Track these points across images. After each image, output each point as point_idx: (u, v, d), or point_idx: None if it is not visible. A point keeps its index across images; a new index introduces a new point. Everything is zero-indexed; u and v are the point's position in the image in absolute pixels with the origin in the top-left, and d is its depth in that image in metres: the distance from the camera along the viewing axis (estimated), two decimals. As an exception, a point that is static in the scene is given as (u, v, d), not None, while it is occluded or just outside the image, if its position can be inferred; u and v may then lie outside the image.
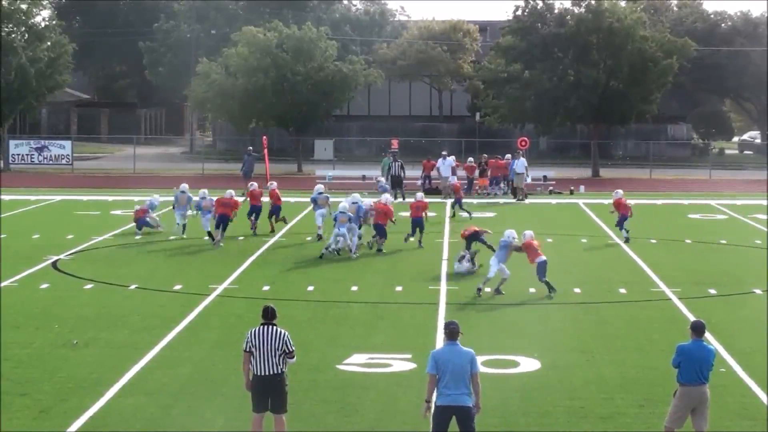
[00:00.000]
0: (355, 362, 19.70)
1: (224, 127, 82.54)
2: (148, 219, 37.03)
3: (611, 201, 37.18)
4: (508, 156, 52.63)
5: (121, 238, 35.95)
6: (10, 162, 65.75)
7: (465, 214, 41.26)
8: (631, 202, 49.29)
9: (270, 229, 36.79)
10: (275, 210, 37.12)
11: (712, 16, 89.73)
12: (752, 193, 54.36)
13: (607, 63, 64.61)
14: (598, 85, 63.73)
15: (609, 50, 64.33)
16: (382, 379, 18.75)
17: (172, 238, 35.76)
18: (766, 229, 39.04)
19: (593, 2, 65.45)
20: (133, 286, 27.20)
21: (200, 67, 67.83)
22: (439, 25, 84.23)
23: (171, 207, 37.60)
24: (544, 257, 26.14)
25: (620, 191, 37.02)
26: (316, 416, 16.61)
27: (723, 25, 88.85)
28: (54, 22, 75.26)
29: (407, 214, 35.67)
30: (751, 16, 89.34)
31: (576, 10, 66.46)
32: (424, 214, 34.02)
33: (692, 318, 22.10)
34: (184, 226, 35.90)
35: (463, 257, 29.19)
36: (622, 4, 68.99)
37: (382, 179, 41.94)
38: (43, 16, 76.76)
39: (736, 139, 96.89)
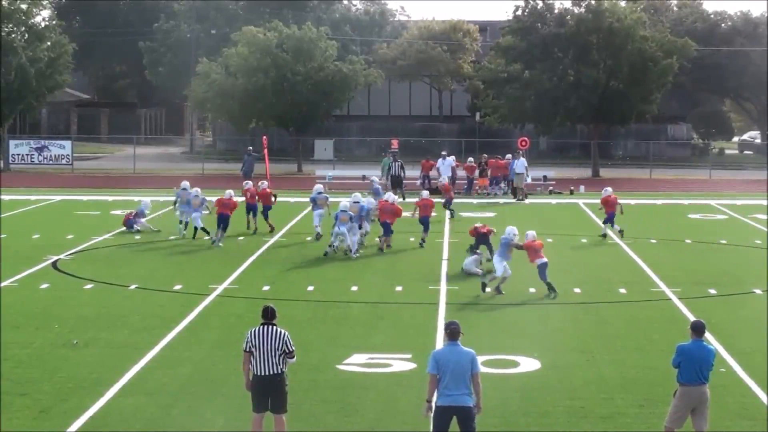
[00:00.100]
0: (355, 362, 19.70)
1: (224, 127, 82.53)
2: (136, 225, 36.99)
3: (600, 199, 37.35)
4: (509, 156, 52.64)
5: (121, 238, 35.94)
6: (10, 162, 65.75)
7: (448, 214, 41.40)
8: (631, 202, 49.64)
9: (269, 228, 36.81)
10: (265, 210, 37.18)
11: (712, 16, 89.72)
12: (752, 193, 54.36)
13: (607, 63, 64.60)
14: (598, 85, 63.72)
15: (609, 50, 64.33)
16: (382, 379, 18.75)
17: (172, 238, 35.76)
18: (766, 229, 39.04)
19: (593, 2, 65.45)
20: (133, 286, 27.20)
21: (200, 67, 67.83)
22: (439, 25, 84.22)
23: (172, 206, 37.61)
24: (545, 259, 26.14)
25: (609, 189, 37.22)
26: (316, 416, 16.61)
27: (723, 25, 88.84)
28: (54, 22, 75.26)
29: (407, 214, 35.73)
30: (751, 16, 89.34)
31: (576, 10, 66.46)
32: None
33: (692, 318, 22.11)
34: (186, 224, 35.89)
35: (476, 252, 29.17)
36: (622, 4, 68.98)
37: (376, 179, 41.94)
38: (43, 16, 76.92)
39: (736, 139, 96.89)
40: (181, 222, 35.98)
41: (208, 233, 34.64)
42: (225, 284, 27.43)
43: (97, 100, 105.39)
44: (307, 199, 38.93)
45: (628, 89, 63.91)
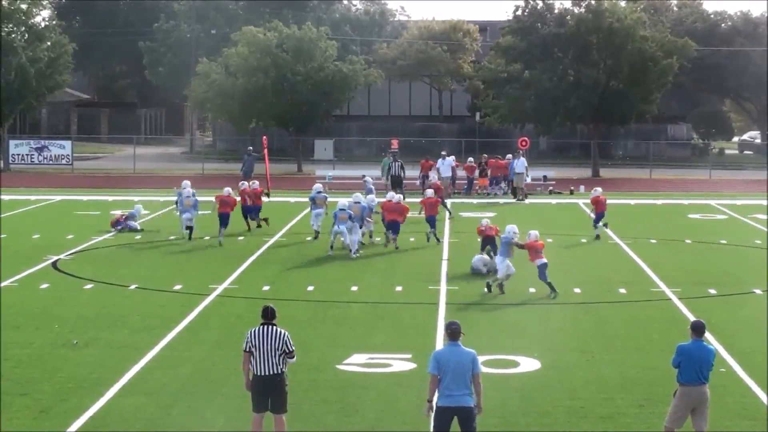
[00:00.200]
0: (355, 362, 19.69)
1: (224, 127, 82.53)
2: (121, 226, 36.97)
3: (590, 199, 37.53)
4: (509, 156, 52.62)
5: (121, 238, 35.93)
6: (10, 162, 65.75)
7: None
8: (631, 202, 49.68)
9: (256, 225, 36.94)
10: (255, 210, 37.21)
11: (712, 16, 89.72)
12: (752, 193, 54.36)
13: (607, 63, 64.61)
14: (598, 85, 63.73)
15: (609, 50, 64.33)
16: (382, 379, 18.74)
17: (172, 238, 35.76)
18: (766, 229, 39.04)
19: (593, 2, 65.46)
20: (133, 286, 27.20)
21: (200, 67, 67.84)
22: (439, 25, 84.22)
23: (173, 206, 37.62)
24: (544, 259, 26.14)
25: (599, 189, 37.46)
26: (316, 416, 16.61)
27: (723, 25, 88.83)
28: (54, 22, 75.31)
29: (413, 213, 35.83)
30: (751, 16, 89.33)
31: (576, 10, 66.47)
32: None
33: (692, 318, 22.11)
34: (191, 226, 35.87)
35: (489, 251, 29.21)
36: (622, 4, 68.99)
37: (369, 179, 42.00)
38: (43, 16, 76.93)
39: (736, 139, 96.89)
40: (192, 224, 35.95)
41: (190, 235, 34.78)
42: (225, 284, 27.42)
43: (97, 100, 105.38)
44: (307, 199, 38.92)
45: (628, 89, 63.92)
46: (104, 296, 26.09)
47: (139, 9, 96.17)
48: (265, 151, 51.11)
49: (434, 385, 13.82)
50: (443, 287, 27.23)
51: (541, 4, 67.06)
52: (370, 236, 34.50)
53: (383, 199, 35.44)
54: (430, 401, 13.95)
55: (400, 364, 19.60)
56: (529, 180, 52.48)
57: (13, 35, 66.84)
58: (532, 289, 26.52)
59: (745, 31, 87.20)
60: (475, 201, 49.11)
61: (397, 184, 49.56)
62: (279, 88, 64.59)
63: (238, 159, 65.58)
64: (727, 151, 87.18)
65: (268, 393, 14.70)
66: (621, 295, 26.58)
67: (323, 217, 35.08)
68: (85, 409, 16.76)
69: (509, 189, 51.53)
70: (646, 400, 17.49)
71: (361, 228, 32.87)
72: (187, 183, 36.76)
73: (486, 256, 29.11)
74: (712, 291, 27.08)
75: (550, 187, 55.03)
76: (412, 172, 52.85)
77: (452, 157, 52.71)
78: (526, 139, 58.35)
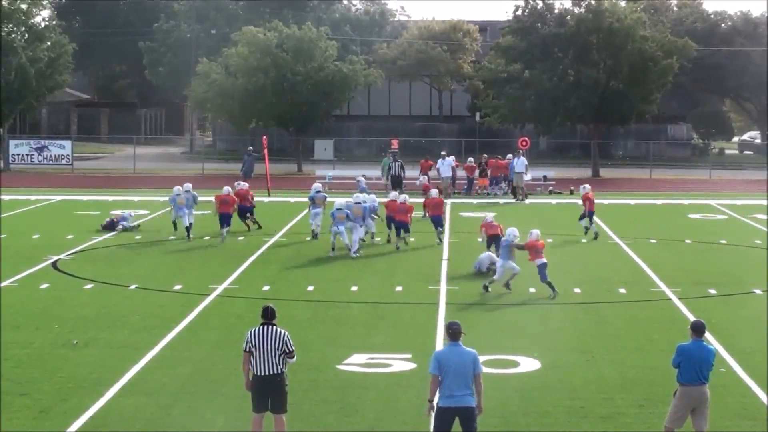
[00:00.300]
0: (355, 362, 19.70)
1: (224, 127, 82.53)
2: (120, 227, 37.09)
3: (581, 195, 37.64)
4: (509, 156, 52.60)
5: (121, 238, 35.94)
6: (10, 162, 65.74)
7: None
8: (631, 202, 49.68)
9: (246, 227, 36.96)
10: (244, 210, 37.25)
11: (712, 16, 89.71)
12: (752, 193, 54.35)
13: (607, 63, 64.60)
14: (598, 85, 63.73)
15: (609, 50, 64.33)
16: (382, 379, 18.74)
17: (172, 238, 35.77)
18: (766, 229, 39.04)
19: (593, 2, 65.45)
20: (133, 286, 27.20)
21: (200, 67, 67.84)
22: (439, 25, 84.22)
23: (170, 207, 37.63)
24: (544, 259, 26.14)
25: (587, 186, 37.71)
26: (316, 416, 16.61)
27: (723, 25, 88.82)
28: (54, 22, 75.30)
29: (418, 214, 35.93)
30: (751, 16, 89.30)
31: (576, 10, 66.45)
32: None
33: (692, 318, 22.11)
34: (189, 225, 35.85)
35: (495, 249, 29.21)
36: (622, 4, 68.95)
37: (362, 179, 42.02)
38: (43, 16, 76.89)
39: (736, 139, 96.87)
40: (188, 223, 35.92)
41: (174, 231, 35.22)
42: (225, 284, 27.43)
43: (97, 100, 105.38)
44: (307, 199, 38.93)
45: (628, 89, 63.91)
46: (104, 296, 26.09)
47: (139, 9, 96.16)
48: (265, 151, 51.21)
49: (435, 386, 13.82)
50: (443, 287, 27.23)
51: (541, 4, 67.05)
52: (372, 237, 34.51)
53: (385, 199, 35.47)
54: (431, 401, 13.96)
55: (400, 364, 19.60)
56: (528, 178, 52.28)
57: (13, 35, 66.86)
58: (532, 289, 26.52)
59: (745, 31, 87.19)
60: (475, 201, 49.11)
61: (397, 184, 49.59)
62: (279, 88, 64.59)
63: (238, 159, 65.61)
64: (727, 151, 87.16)
65: (268, 393, 14.70)
66: (621, 295, 26.58)
67: (322, 216, 35.07)
68: (85, 409, 16.76)
69: (509, 189, 51.53)
70: (646, 400, 17.49)
71: (362, 226, 32.86)
72: (188, 186, 36.63)
73: (493, 255, 29.09)
74: (712, 291, 27.08)
75: (550, 187, 55.03)
76: (412, 172, 52.88)
77: (452, 157, 52.71)
78: (526, 139, 58.34)
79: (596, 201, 37.63)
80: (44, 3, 75.67)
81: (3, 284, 27.11)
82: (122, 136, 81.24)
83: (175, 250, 33.62)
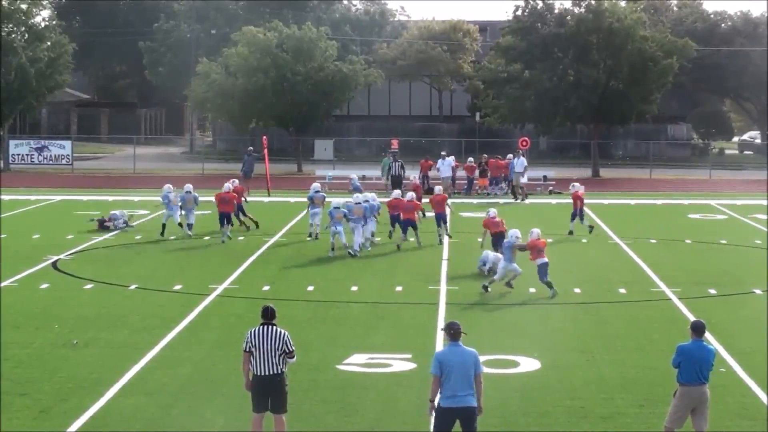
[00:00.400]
0: (355, 362, 19.70)
1: (224, 127, 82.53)
2: (119, 228, 37.15)
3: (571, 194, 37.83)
4: (509, 156, 52.59)
5: (121, 238, 35.94)
6: (10, 162, 65.74)
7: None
8: (631, 202, 49.68)
9: (240, 224, 36.98)
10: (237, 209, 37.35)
11: (712, 16, 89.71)
12: (752, 193, 54.36)
13: (607, 63, 64.61)
14: (598, 85, 63.73)
15: (609, 50, 64.33)
16: (382, 379, 18.75)
17: (172, 238, 35.77)
18: (766, 229, 39.04)
19: (593, 2, 65.45)
20: (133, 286, 27.20)
21: (200, 67, 67.84)
22: (439, 25, 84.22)
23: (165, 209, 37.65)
24: (545, 259, 26.14)
25: (577, 184, 38.01)
26: (316, 416, 16.61)
27: (723, 25, 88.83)
28: (54, 22, 75.30)
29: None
30: (751, 16, 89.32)
31: (576, 10, 66.46)
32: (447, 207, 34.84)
33: (692, 318, 22.11)
34: (190, 225, 35.87)
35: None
36: (622, 4, 68.96)
37: (355, 177, 41.99)
38: (43, 16, 76.93)
39: (736, 139, 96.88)
40: (188, 223, 35.91)
41: (162, 233, 35.38)
42: (225, 284, 27.43)
43: (97, 100, 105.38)
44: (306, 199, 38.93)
45: (628, 89, 63.92)
46: (104, 296, 26.09)
47: (139, 9, 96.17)
48: (265, 151, 51.19)
49: (436, 386, 13.81)
50: (443, 287, 27.23)
51: (541, 4, 67.06)
52: (372, 235, 34.46)
53: (386, 199, 35.47)
54: (432, 401, 13.95)
55: (400, 364, 19.60)
56: (524, 180, 52.15)
57: (13, 35, 66.85)
58: (532, 289, 26.52)
59: (745, 31, 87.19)
60: (475, 201, 49.11)
61: (397, 184, 49.60)
62: (279, 88, 64.60)
63: (238, 159, 65.55)
64: (727, 151, 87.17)
65: (268, 393, 14.70)
66: (621, 295, 26.58)
67: (321, 216, 35.06)
68: (85, 409, 16.76)
69: (509, 189, 51.53)
70: (646, 400, 17.49)
71: (365, 225, 32.83)
72: (189, 187, 36.59)
73: (499, 254, 29.04)
74: (712, 291, 27.08)
75: (550, 187, 55.03)
76: (412, 172, 52.86)
77: (452, 157, 52.71)
78: (526, 139, 58.34)
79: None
80: (44, 3, 75.68)
81: (3, 284, 27.11)
82: (122, 136, 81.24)
83: (175, 250, 33.61)
